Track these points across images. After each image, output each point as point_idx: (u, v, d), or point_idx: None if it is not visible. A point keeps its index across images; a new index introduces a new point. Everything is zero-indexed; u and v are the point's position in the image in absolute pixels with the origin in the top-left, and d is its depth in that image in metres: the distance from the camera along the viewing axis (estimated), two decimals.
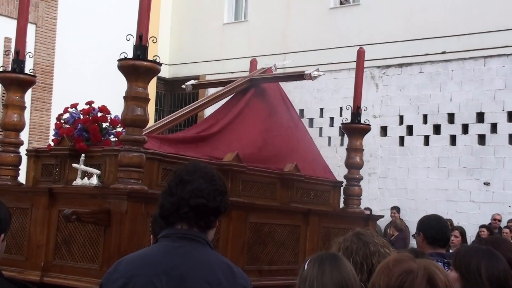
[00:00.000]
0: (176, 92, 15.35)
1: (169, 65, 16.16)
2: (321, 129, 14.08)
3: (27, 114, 12.24)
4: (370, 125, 5.72)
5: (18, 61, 4.71)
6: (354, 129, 5.76)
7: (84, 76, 12.27)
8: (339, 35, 13.51)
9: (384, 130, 13.51)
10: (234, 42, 15.03)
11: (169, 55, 16.33)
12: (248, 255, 4.81)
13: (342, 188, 5.90)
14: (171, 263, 2.34)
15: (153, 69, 4.28)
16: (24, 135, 12.14)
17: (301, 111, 14.36)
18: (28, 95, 12.19)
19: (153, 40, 4.33)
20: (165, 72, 15.35)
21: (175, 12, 16.54)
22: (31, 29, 12.59)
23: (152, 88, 14.96)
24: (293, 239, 5.15)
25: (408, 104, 13.20)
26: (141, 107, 4.25)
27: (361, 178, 5.78)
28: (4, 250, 2.55)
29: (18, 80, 4.75)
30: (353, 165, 5.76)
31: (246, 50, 12.70)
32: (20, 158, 4.83)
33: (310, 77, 5.58)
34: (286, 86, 13.96)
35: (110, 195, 4.18)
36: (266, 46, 14.16)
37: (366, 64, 12.88)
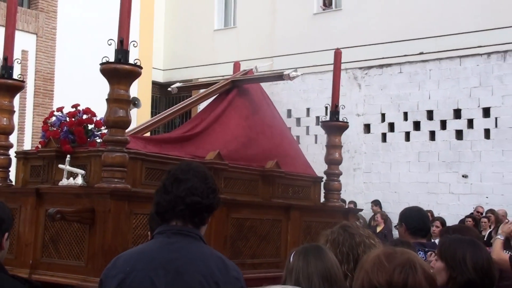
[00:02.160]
0: (170, 96, 15.25)
1: (163, 70, 16.05)
2: (307, 127, 14.01)
3: (29, 119, 12.19)
4: (348, 122, 5.59)
5: (7, 67, 4.56)
6: (333, 126, 5.63)
7: (83, 82, 12.13)
8: (323, 38, 13.40)
9: (367, 128, 13.44)
10: (224, 47, 14.93)
11: (163, 60, 16.22)
12: (231, 250, 4.66)
13: (322, 183, 5.76)
14: (167, 257, 2.33)
15: (134, 72, 4.13)
16: (27, 139, 12.05)
17: (289, 110, 14.31)
18: (30, 101, 12.18)
19: (133, 44, 4.17)
20: (160, 76, 15.24)
21: (168, 19, 16.44)
22: (32, 39, 12.52)
23: (147, 92, 14.87)
24: (275, 233, 5.00)
25: (389, 103, 13.13)
26: (123, 108, 4.10)
27: (340, 173, 5.64)
28: None
29: (6, 85, 4.59)
30: (333, 161, 5.64)
31: (236, 54, 12.55)
32: (9, 160, 4.68)
33: (289, 77, 5.45)
34: (274, 88, 14.01)
35: (94, 194, 4.04)
36: (254, 50, 14.06)
37: (349, 65, 13.12)
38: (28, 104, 12.16)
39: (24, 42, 12.23)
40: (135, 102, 14.01)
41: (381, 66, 13.27)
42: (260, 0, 14.90)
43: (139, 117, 12.51)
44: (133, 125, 4.95)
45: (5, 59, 4.52)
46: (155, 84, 15.08)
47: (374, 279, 1.84)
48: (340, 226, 3.01)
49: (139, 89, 14.38)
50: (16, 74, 4.82)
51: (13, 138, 12.10)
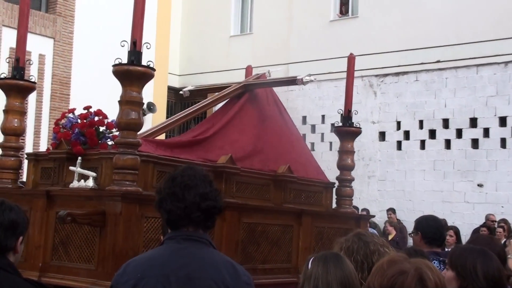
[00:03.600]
0: (186, 101, 15.24)
1: (179, 75, 16.06)
2: (322, 134, 13.94)
3: (45, 122, 12.22)
4: (360, 128, 5.51)
5: (18, 68, 4.54)
6: (346, 132, 5.55)
7: (99, 86, 12.18)
8: (338, 45, 13.33)
9: (382, 135, 13.34)
10: (239, 53, 14.89)
11: (179, 65, 16.24)
12: (242, 255, 4.60)
13: (334, 189, 5.69)
14: (178, 263, 2.31)
15: (146, 74, 4.10)
16: (42, 143, 12.08)
17: (304, 117, 14.25)
18: (46, 105, 12.23)
19: (146, 46, 4.13)
20: (175, 81, 15.25)
21: (184, 25, 16.48)
22: (49, 43, 12.59)
23: (163, 97, 14.88)
24: (286, 239, 4.94)
25: (405, 111, 13.02)
26: (135, 111, 4.06)
27: (353, 179, 5.57)
28: None
29: (18, 86, 4.58)
30: (345, 166, 5.56)
31: (251, 60, 12.43)
32: (20, 161, 4.66)
33: (302, 82, 5.39)
34: (289, 95, 13.97)
35: (105, 196, 4.00)
36: (270, 56, 14.02)
37: (365, 73, 13.04)
38: (45, 108, 12.22)
39: (42, 46, 12.32)
40: (150, 107, 14.04)
41: (397, 74, 13.17)
42: (277, 7, 14.87)
43: (155, 122, 12.51)
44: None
45: (17, 60, 4.51)
46: (170, 89, 15.08)
47: (371, 282, 1.86)
48: (355, 234, 3.00)
49: (155, 94, 14.40)
50: (33, 77, 4.82)
51: (29, 141, 12.19)
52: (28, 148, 11.42)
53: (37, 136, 12.04)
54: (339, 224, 5.34)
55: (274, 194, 5.11)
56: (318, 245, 5.08)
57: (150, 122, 12.88)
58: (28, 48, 12.09)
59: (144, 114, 13.98)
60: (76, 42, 12.88)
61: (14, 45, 11.82)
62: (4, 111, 4.63)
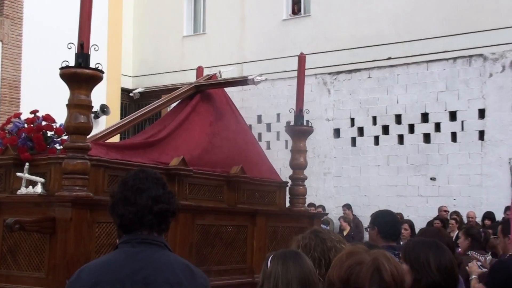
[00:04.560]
0: (140, 103, 15.08)
1: (132, 76, 15.88)
2: (278, 133, 13.99)
3: None
4: (312, 126, 5.54)
5: None
6: (297, 131, 5.58)
7: (50, 89, 11.93)
8: (292, 44, 13.40)
9: (337, 132, 13.47)
10: (193, 54, 14.83)
11: (132, 67, 16.05)
12: (197, 257, 4.58)
13: (287, 188, 5.71)
14: (134, 267, 2.27)
15: (95, 76, 4.02)
16: None
17: (259, 116, 14.28)
18: None
19: (94, 48, 4.06)
20: (129, 83, 15.08)
21: (136, 26, 16.29)
22: None
23: (116, 98, 14.68)
24: (240, 239, 4.93)
25: (358, 107, 13.18)
26: (84, 114, 3.99)
27: (305, 178, 5.59)
28: None
29: None
30: (298, 165, 5.58)
31: (205, 61, 12.41)
32: None
33: (253, 82, 5.39)
34: (244, 94, 13.96)
35: (54, 202, 3.92)
36: (224, 56, 14.01)
37: (318, 71, 13.14)
38: None
39: None
40: (104, 109, 13.85)
41: (350, 71, 13.32)
42: (230, 7, 14.85)
43: (108, 124, 12.31)
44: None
45: None
46: (124, 91, 14.88)
47: (330, 275, 1.87)
48: (311, 231, 3.01)
49: (108, 96, 14.20)
50: None
51: None
52: None
53: None
54: (293, 223, 5.36)
55: (227, 195, 5.09)
56: (272, 245, 5.10)
57: (103, 124, 12.69)
58: None
59: (98, 117, 13.82)
60: (25, 45, 12.58)
61: None
62: None
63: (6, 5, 12.49)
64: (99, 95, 13.51)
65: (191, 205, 4.62)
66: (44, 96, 11.75)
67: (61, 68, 3.97)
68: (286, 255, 2.61)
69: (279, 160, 11.81)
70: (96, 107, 13.67)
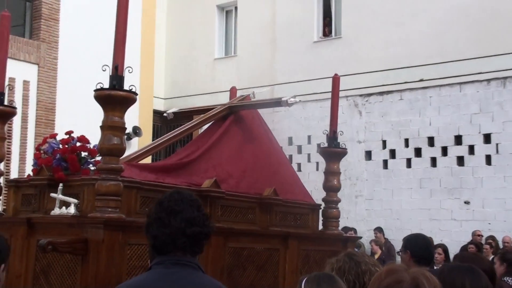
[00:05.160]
0: (171, 124, 15.20)
1: (164, 99, 16.01)
2: (309, 155, 13.90)
3: (30, 148, 12.08)
4: (346, 148, 5.46)
5: None
6: (331, 153, 5.49)
7: (84, 111, 12.09)
8: (322, 66, 13.36)
9: (368, 155, 13.33)
10: (224, 76, 14.90)
11: (164, 89, 16.19)
12: (228, 279, 4.50)
13: (320, 210, 5.62)
14: None
15: (129, 98, 4.01)
16: (28, 169, 11.96)
17: (290, 138, 14.23)
18: (31, 131, 12.09)
19: (128, 70, 4.06)
20: (161, 105, 15.19)
21: (169, 48, 16.46)
22: (34, 69, 12.51)
23: (148, 120, 14.80)
24: (272, 263, 4.84)
25: (390, 129, 13.04)
26: (117, 136, 3.98)
27: (339, 201, 5.50)
28: None
29: None
30: (331, 188, 5.49)
31: (236, 83, 12.46)
32: (0, 188, 4.54)
33: (287, 104, 5.35)
34: (275, 116, 13.94)
35: (87, 224, 3.90)
36: (255, 78, 14.03)
37: (349, 93, 13.06)
38: (30, 134, 12.09)
39: (26, 72, 12.24)
40: (136, 131, 13.96)
41: (381, 93, 13.21)
42: (261, 29, 14.92)
43: (141, 146, 12.38)
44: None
45: None
46: (156, 113, 15.00)
47: None
48: (346, 254, 2.98)
49: (140, 118, 14.32)
50: (14, 102, 4.73)
51: (14, 168, 12.00)
52: (14, 175, 11.28)
53: (23, 163, 11.89)
54: (326, 247, 5.26)
55: (260, 217, 5.03)
56: (305, 268, 5.00)
57: (136, 146, 12.78)
58: (12, 75, 12.15)
59: (130, 138, 13.94)
60: (60, 68, 12.80)
61: (11, 75, 11.77)
62: None
63: (43, 29, 12.75)
64: (131, 117, 13.60)
65: (223, 228, 4.56)
66: (78, 118, 11.94)
67: (96, 90, 3.97)
68: (320, 278, 2.58)
69: (310, 182, 11.70)
70: (128, 129, 13.78)
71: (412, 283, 1.79)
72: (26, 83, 12.25)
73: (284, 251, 4.93)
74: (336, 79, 5.49)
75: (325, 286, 2.52)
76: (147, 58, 14.61)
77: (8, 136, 11.82)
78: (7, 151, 11.72)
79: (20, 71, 12.06)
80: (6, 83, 12.10)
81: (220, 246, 4.46)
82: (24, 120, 12.13)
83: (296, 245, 5.00)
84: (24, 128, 12.16)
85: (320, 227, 5.60)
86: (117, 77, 3.99)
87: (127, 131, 14.28)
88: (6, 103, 4.52)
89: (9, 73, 11.69)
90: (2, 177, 4.62)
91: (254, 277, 4.70)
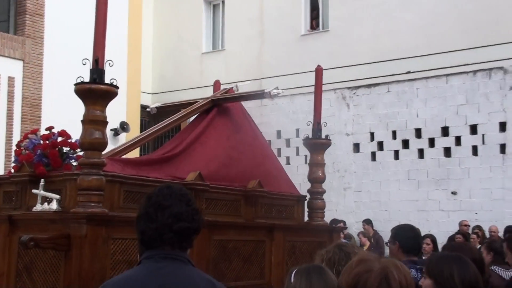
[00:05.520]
0: (159, 119, 15.11)
1: (152, 93, 15.92)
2: (297, 148, 13.89)
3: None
4: (330, 140, 5.44)
5: None
6: (315, 144, 5.48)
7: (71, 107, 12.00)
8: (310, 59, 13.29)
9: (356, 147, 13.34)
10: (212, 70, 14.82)
11: (152, 84, 16.10)
12: (214, 272, 4.47)
13: (306, 202, 5.60)
14: (157, 283, 2.24)
15: (110, 92, 3.97)
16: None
17: (278, 131, 14.21)
18: (17, 128, 11.98)
19: (109, 63, 4.01)
20: (149, 100, 15.09)
21: (156, 43, 16.35)
22: (19, 65, 12.38)
23: (136, 116, 14.71)
24: (258, 255, 4.82)
25: (378, 122, 13.05)
26: (99, 130, 3.93)
27: (324, 192, 5.49)
28: None
29: None
30: (316, 179, 5.48)
31: (224, 77, 12.43)
32: None
33: (270, 95, 5.31)
34: (263, 110, 13.91)
35: (69, 219, 3.86)
36: (243, 72, 13.98)
37: (337, 85, 13.05)
38: (15, 131, 11.97)
39: (11, 68, 12.12)
40: (124, 126, 13.88)
41: (369, 85, 13.21)
42: (248, 23, 14.86)
43: None
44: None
45: None
46: (143, 107, 14.93)
47: (340, 281, 1.85)
48: (336, 245, 2.97)
49: (128, 113, 14.24)
50: (3, 100, 4.66)
51: (0, 165, 11.86)
52: (0, 172, 11.17)
53: (8, 160, 11.76)
54: (312, 237, 5.25)
55: (245, 209, 5.00)
56: (291, 260, 4.99)
57: (123, 141, 12.69)
58: (11, 74, 11.97)
59: (118, 134, 13.85)
60: (46, 64, 12.67)
61: (10, 75, 11.57)
62: None
63: (28, 25, 12.61)
64: (119, 112, 13.57)
65: (208, 220, 4.52)
66: (65, 114, 11.83)
67: (76, 84, 3.93)
68: (309, 270, 2.57)
69: (299, 175, 11.68)
70: (116, 124, 13.72)
71: (381, 272, 1.78)
72: (11, 79, 12.12)
73: (270, 243, 4.91)
74: (319, 71, 5.47)
75: (315, 278, 2.51)
76: (134, 53, 14.52)
77: None
78: None
79: (5, 67, 11.95)
80: None
81: (205, 239, 4.43)
82: (10, 116, 12.01)
83: (281, 237, 4.98)
84: (9, 125, 12.04)
85: (306, 218, 5.58)
86: (97, 70, 3.94)
87: (114, 127, 14.22)
88: None
89: (9, 72, 11.64)
90: None
91: (240, 269, 4.68)
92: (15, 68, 12.17)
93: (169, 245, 2.31)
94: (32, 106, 12.38)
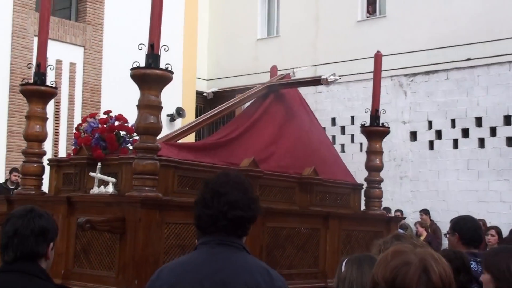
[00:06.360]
0: (214, 105, 15.15)
1: (207, 80, 15.98)
2: (352, 136, 13.70)
3: None
4: (389, 127, 5.28)
5: (39, 74, 4.45)
6: (373, 132, 5.33)
7: (129, 92, 12.18)
8: (366, 46, 13.03)
9: (413, 135, 13.04)
10: (267, 56, 14.72)
11: (207, 70, 16.15)
12: (267, 259, 4.41)
13: (362, 191, 5.47)
14: (212, 269, 2.27)
15: (165, 77, 3.95)
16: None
17: (333, 119, 14.04)
18: (78, 112, 12.25)
19: (164, 48, 3.99)
20: (204, 86, 15.15)
21: (211, 30, 16.38)
22: (80, 51, 12.63)
23: (192, 102, 14.79)
24: (313, 243, 4.73)
25: (436, 110, 12.70)
26: (154, 115, 3.93)
27: (382, 180, 5.33)
28: None
29: (39, 92, 4.48)
30: (373, 167, 5.33)
31: (279, 63, 12.31)
32: (43, 168, 4.57)
33: (327, 82, 5.19)
34: (318, 96, 13.75)
35: (124, 203, 3.88)
36: (297, 58, 13.81)
37: (394, 73, 12.74)
38: (77, 115, 12.25)
39: (72, 54, 12.38)
40: (179, 112, 13.99)
41: (427, 72, 12.86)
42: (303, 9, 14.68)
43: None
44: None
45: (38, 65, 4.41)
46: (199, 94, 15.01)
47: (375, 274, 1.76)
48: (393, 235, 2.90)
49: (184, 99, 14.34)
50: (65, 86, 4.72)
51: (62, 149, 12.16)
52: (62, 155, 11.46)
53: (70, 143, 12.05)
54: (368, 227, 5.13)
55: (299, 197, 4.92)
56: (346, 249, 4.88)
57: (179, 127, 12.79)
58: (59, 57, 12.27)
59: (174, 119, 13.97)
60: (106, 50, 12.90)
61: (59, 57, 11.87)
62: (26, 117, 4.55)
63: (89, 12, 12.84)
64: (175, 98, 13.68)
65: (261, 207, 4.48)
66: (123, 99, 12.00)
67: (132, 69, 3.93)
68: (361, 259, 2.52)
69: (354, 163, 11.48)
70: (172, 110, 13.84)
71: (420, 265, 1.70)
72: (72, 65, 12.39)
73: (325, 231, 4.81)
74: (378, 57, 5.31)
75: (367, 267, 2.44)
76: (190, 40, 14.58)
77: (56, 117, 12.06)
78: (55, 132, 11.92)
79: (67, 54, 12.21)
80: (54, 65, 12.32)
81: (258, 226, 4.37)
82: (71, 101, 12.30)
83: (337, 225, 4.87)
84: (71, 109, 12.33)
85: (363, 207, 5.45)
86: (153, 55, 3.93)
87: (170, 112, 14.32)
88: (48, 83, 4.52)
89: (56, 55, 11.95)
90: (45, 157, 4.66)
91: (294, 257, 4.61)
92: (76, 55, 12.43)
93: (224, 232, 2.32)
94: (92, 91, 12.63)
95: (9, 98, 11.46)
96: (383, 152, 5.34)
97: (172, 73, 3.99)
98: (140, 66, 3.91)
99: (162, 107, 4.00)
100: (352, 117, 13.68)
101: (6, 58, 11.55)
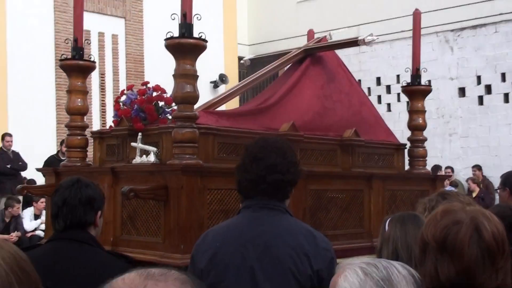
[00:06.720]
0: (257, 70, 15.06)
1: (248, 45, 15.90)
2: (398, 94, 13.48)
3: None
4: (430, 86, 5.18)
5: (77, 48, 4.52)
6: (415, 91, 5.23)
7: (172, 62, 12.27)
8: (410, 2, 12.68)
9: (462, 91, 12.74)
10: (307, 19, 14.50)
11: (248, 35, 16.06)
12: (311, 221, 4.42)
13: (406, 150, 5.40)
14: (255, 231, 2.32)
15: (199, 46, 3.95)
16: None
17: (378, 78, 13.83)
18: (123, 83, 12.43)
19: (197, 17, 3.98)
20: (246, 52, 15.08)
21: None
22: (121, 23, 12.76)
23: (234, 68, 14.79)
24: (356, 204, 4.71)
25: (485, 64, 12.35)
26: (190, 84, 3.95)
27: (425, 139, 5.25)
28: None
29: (78, 66, 4.56)
30: (416, 126, 5.25)
31: (320, 25, 12.12)
32: (86, 140, 4.68)
33: (364, 42, 5.08)
34: (361, 57, 13.53)
35: (166, 171, 3.95)
36: (339, 20, 13.59)
37: (439, 28, 12.37)
38: (122, 86, 12.42)
39: (114, 26, 12.52)
40: (222, 79, 14.02)
41: (474, 27, 12.47)
42: None
43: None
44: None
45: (76, 40, 4.48)
46: (241, 59, 15.01)
47: (424, 234, 1.72)
48: (439, 193, 2.87)
49: (226, 65, 14.35)
50: (92, 56, 4.81)
51: (109, 119, 12.39)
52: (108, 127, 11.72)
53: None
54: (413, 186, 5.07)
55: (341, 159, 4.89)
56: (391, 209, 4.85)
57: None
58: (101, 29, 12.40)
59: (217, 86, 14.03)
60: (146, 20, 12.99)
61: (101, 30, 12.03)
62: (67, 91, 4.65)
63: None
64: (217, 65, 13.71)
65: (302, 170, 4.48)
66: (166, 68, 12.07)
67: (166, 39, 3.94)
68: (404, 218, 2.50)
69: (401, 122, 11.35)
70: (215, 77, 13.88)
71: (472, 224, 1.65)
72: (114, 37, 12.54)
73: (368, 192, 4.78)
74: (416, 15, 5.17)
75: (410, 225, 2.45)
76: (229, 6, 14.50)
77: (102, 89, 12.29)
78: (102, 103, 12.15)
79: (109, 25, 12.36)
80: (97, 37, 12.48)
81: (300, 189, 4.37)
82: (116, 72, 12.49)
83: (380, 186, 4.84)
84: (116, 80, 12.53)
85: (407, 167, 5.39)
86: (186, 25, 3.93)
87: (213, 79, 14.37)
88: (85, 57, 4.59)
89: (98, 28, 12.10)
90: (87, 130, 4.77)
91: (338, 219, 4.61)
92: (117, 26, 12.57)
93: (266, 195, 2.35)
94: (135, 61, 12.78)
95: (55, 72, 11.72)
96: (425, 110, 5.25)
97: (206, 41, 3.98)
98: (174, 36, 3.92)
99: (198, 76, 4.02)
100: (398, 76, 13.44)
101: (50, 32, 11.78)
